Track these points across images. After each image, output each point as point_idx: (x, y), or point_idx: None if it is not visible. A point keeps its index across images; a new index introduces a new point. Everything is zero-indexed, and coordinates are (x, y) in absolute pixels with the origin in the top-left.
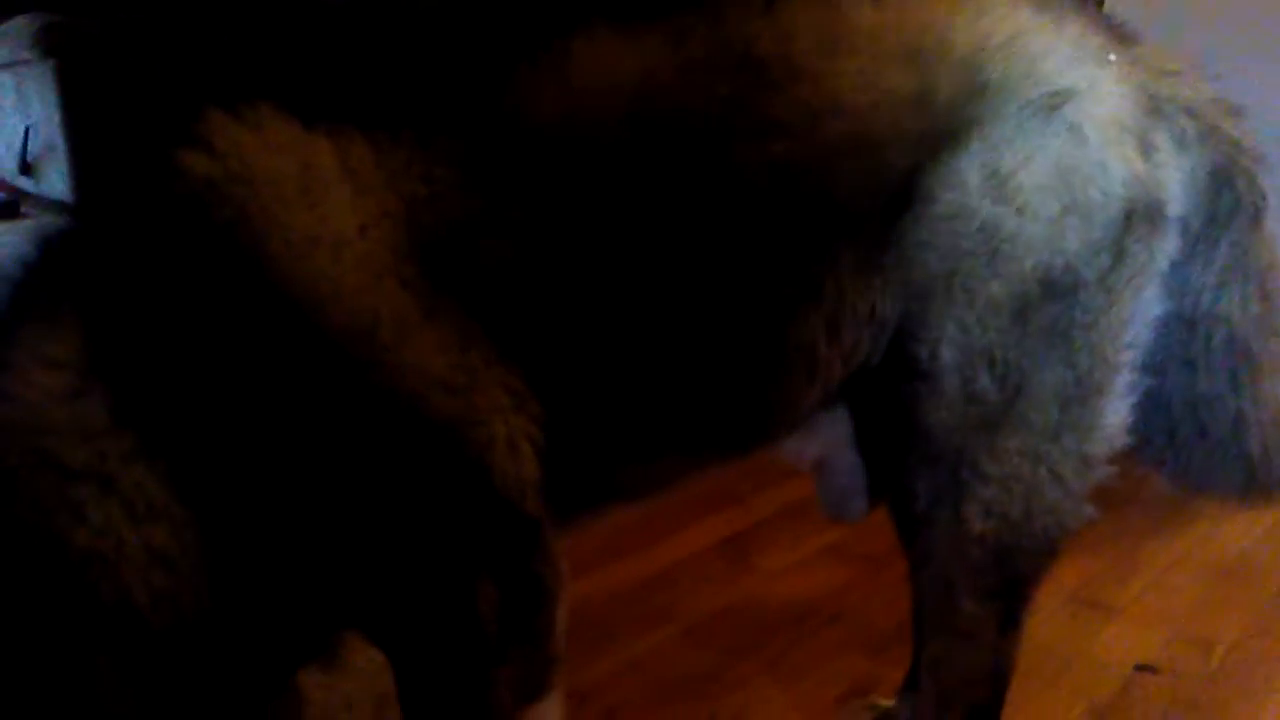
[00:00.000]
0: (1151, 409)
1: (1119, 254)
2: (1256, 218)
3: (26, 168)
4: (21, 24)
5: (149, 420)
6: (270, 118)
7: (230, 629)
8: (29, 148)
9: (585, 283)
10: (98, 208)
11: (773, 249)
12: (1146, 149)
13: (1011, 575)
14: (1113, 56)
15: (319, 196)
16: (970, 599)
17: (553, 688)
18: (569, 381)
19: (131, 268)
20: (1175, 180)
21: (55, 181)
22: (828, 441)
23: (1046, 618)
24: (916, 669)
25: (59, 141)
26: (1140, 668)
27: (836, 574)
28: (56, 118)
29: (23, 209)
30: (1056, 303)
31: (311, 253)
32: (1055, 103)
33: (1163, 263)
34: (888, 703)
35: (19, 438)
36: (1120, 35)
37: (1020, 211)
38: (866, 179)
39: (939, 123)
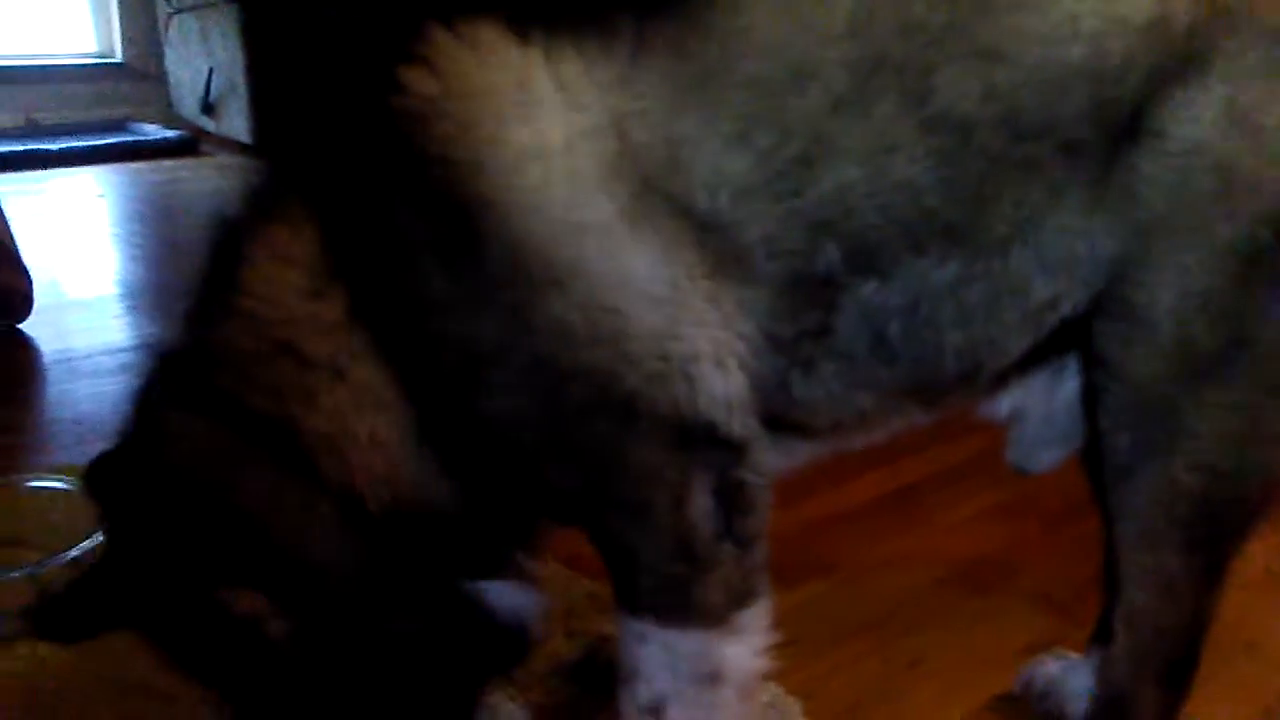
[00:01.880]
0: None
1: None
2: None
3: (208, 108)
4: None
5: (377, 319)
6: (488, 34)
7: (442, 519)
8: (211, 88)
9: (793, 200)
10: (325, 121)
11: (986, 183)
12: None
13: (1219, 529)
14: None
15: (533, 111)
16: (1175, 553)
17: (762, 594)
18: (773, 305)
19: (357, 179)
20: None
21: (235, 121)
22: (1026, 389)
23: (1238, 589)
24: (1106, 624)
25: (240, 82)
26: None
27: (1010, 531)
28: (238, 59)
29: (202, 147)
30: None
31: (525, 166)
32: None
33: None
34: (1075, 656)
35: (260, 327)
36: None
37: (1260, 151)
38: (1092, 111)
39: (1175, 52)
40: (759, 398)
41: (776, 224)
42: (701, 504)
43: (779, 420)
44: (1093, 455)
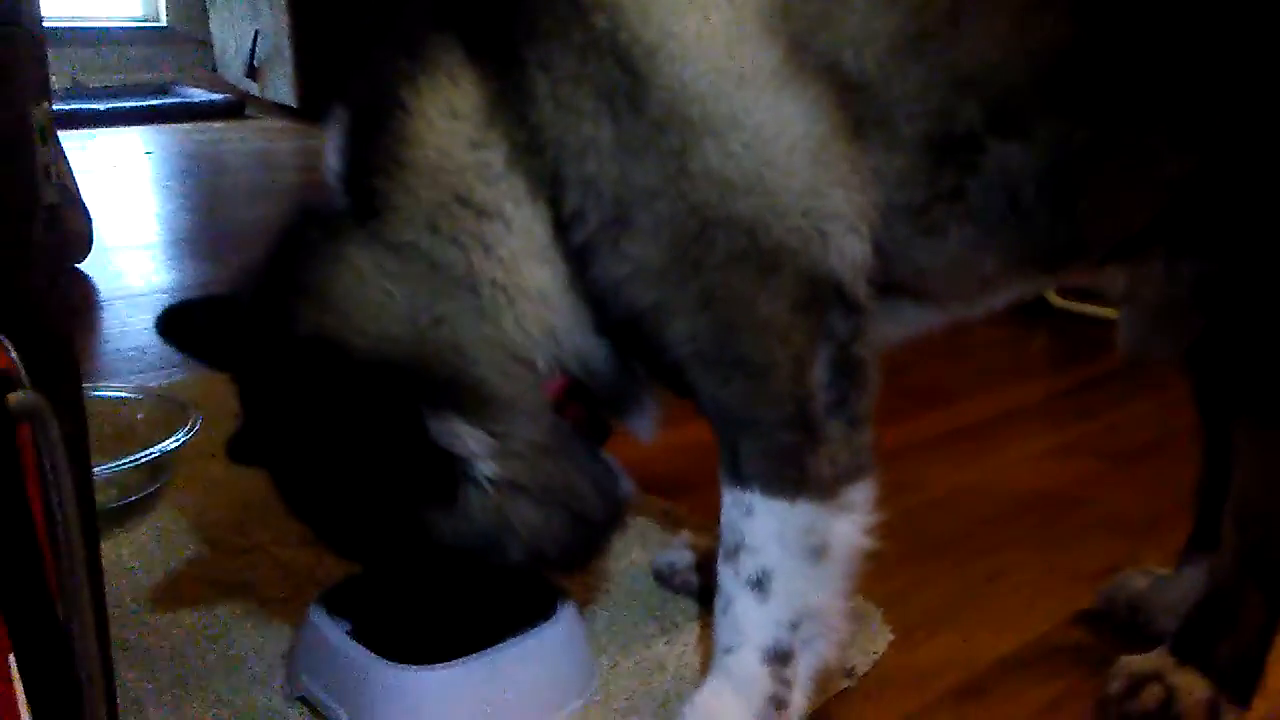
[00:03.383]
0: None
1: None
2: None
3: (253, 71)
4: None
5: (535, 164)
6: None
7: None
8: (256, 52)
9: (938, 57)
10: None
11: (1134, 48)
12: None
13: None
14: None
15: None
16: None
17: (869, 473)
18: (911, 168)
19: (521, 26)
20: None
21: (279, 85)
22: (1145, 271)
23: None
24: (1200, 537)
25: (285, 46)
26: None
27: (1086, 466)
28: (284, 23)
29: (247, 111)
30: None
31: (688, 15)
32: None
33: None
34: (1164, 571)
35: (437, 176)
36: None
37: None
38: None
39: None
40: (883, 265)
41: (920, 83)
42: (820, 374)
43: (899, 287)
44: (1205, 350)
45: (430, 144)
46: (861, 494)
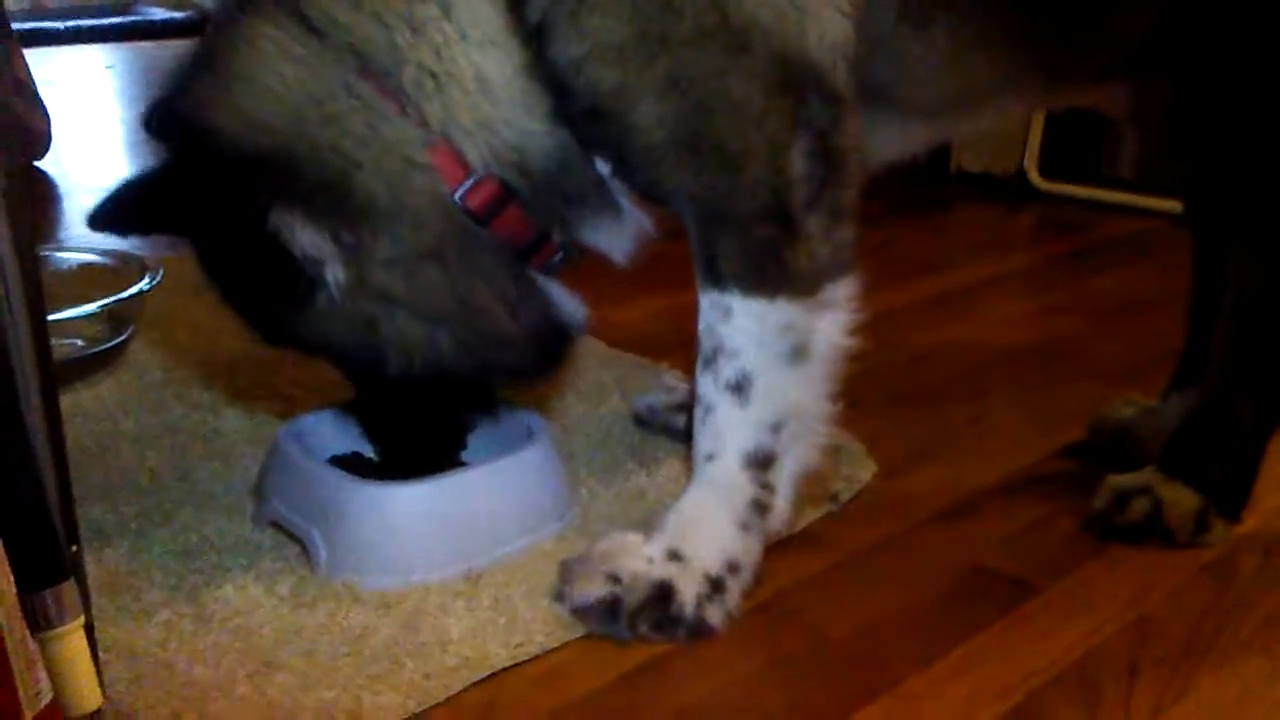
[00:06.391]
0: None
1: None
2: None
3: None
4: None
5: None
6: None
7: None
8: None
9: None
10: None
11: None
12: None
13: None
14: None
15: None
16: None
17: (851, 270)
18: None
19: None
20: None
21: None
22: (1143, 94)
23: None
24: (1187, 368)
25: None
26: None
27: (1069, 322)
28: None
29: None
30: None
31: None
32: None
33: None
34: (1149, 401)
35: None
36: None
37: None
38: None
39: None
40: (867, 56)
41: None
42: (798, 163)
43: (884, 93)
44: (1201, 166)
45: None
46: (843, 291)
